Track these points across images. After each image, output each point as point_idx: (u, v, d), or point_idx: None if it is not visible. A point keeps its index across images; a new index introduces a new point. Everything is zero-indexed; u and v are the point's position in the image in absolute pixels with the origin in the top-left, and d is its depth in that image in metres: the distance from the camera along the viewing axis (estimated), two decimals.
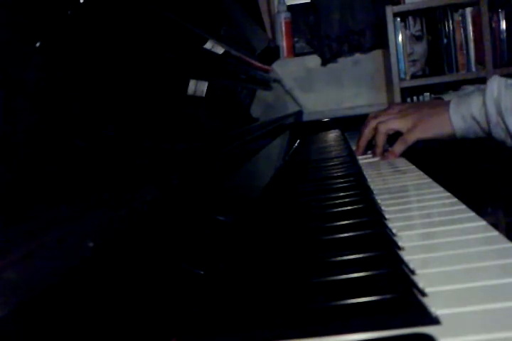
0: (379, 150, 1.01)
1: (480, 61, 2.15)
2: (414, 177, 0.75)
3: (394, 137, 1.00)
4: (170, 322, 0.31)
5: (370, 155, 1.04)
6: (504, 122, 0.87)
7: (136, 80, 0.40)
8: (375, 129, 1.01)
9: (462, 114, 0.92)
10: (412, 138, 0.96)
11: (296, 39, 2.44)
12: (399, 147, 0.97)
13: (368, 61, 2.37)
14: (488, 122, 0.89)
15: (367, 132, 1.04)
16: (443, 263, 0.37)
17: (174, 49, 0.53)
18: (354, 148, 1.15)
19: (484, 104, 0.89)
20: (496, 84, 0.88)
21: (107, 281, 0.26)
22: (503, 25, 2.17)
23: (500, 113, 0.87)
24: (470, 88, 1.14)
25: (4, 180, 0.22)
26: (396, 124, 0.99)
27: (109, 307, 0.25)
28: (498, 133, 0.89)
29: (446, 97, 1.09)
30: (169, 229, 0.36)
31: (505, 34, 2.17)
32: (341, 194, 0.64)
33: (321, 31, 2.31)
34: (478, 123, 0.91)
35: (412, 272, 0.36)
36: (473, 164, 2.00)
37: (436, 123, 0.94)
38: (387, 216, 0.53)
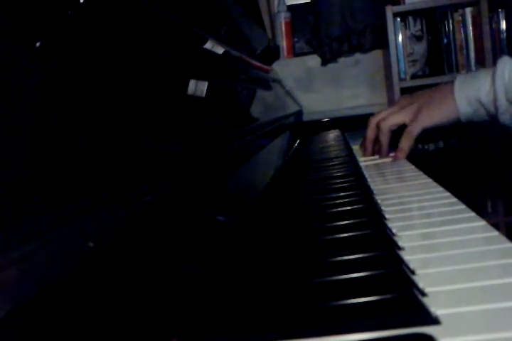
0: (384, 149, 0.95)
1: (480, 61, 2.15)
2: (414, 177, 0.74)
3: (399, 134, 0.94)
4: (170, 322, 0.31)
5: (375, 157, 0.98)
6: None
7: (136, 80, 0.40)
8: (378, 128, 0.95)
9: (468, 98, 0.86)
10: (416, 128, 0.89)
11: (296, 39, 2.44)
12: (405, 142, 0.89)
13: (368, 61, 2.37)
14: (496, 108, 0.83)
15: (369, 132, 0.97)
16: (443, 263, 0.37)
17: (174, 49, 0.53)
18: (354, 147, 1.15)
19: (493, 89, 0.83)
20: (507, 67, 0.82)
21: (107, 281, 0.26)
22: (503, 25, 2.17)
23: (510, 100, 0.81)
24: None
25: (4, 180, 0.22)
26: (397, 118, 0.92)
27: (109, 307, 0.25)
28: (507, 119, 0.84)
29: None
30: (169, 229, 0.36)
31: (505, 34, 2.17)
32: (341, 194, 0.64)
33: (321, 31, 2.31)
34: (484, 107, 0.85)
35: (412, 272, 0.36)
36: (474, 164, 2.00)
37: (440, 108, 0.88)
38: (387, 216, 0.53)
